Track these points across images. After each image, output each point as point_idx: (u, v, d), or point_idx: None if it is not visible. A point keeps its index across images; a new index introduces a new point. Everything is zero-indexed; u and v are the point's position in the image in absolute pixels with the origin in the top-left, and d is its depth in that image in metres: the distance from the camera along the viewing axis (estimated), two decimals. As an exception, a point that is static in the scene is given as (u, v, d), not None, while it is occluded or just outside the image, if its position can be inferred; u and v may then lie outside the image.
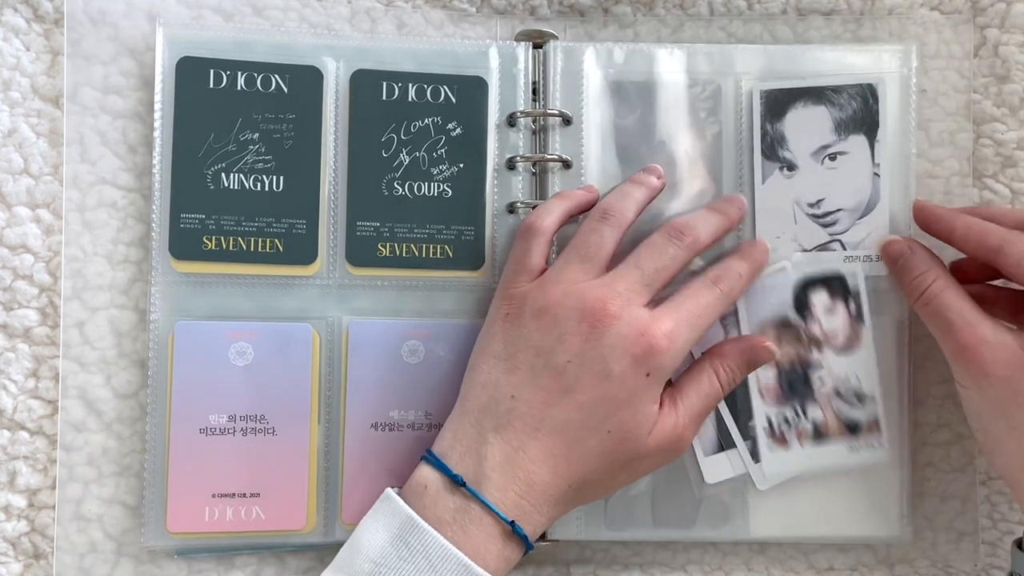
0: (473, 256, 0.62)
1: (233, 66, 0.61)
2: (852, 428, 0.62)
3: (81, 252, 0.61)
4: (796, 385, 0.62)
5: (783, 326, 0.62)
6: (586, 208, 0.61)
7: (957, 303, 0.57)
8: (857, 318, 0.63)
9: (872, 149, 0.63)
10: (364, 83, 0.62)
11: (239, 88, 0.61)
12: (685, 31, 0.66)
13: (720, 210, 0.62)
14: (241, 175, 0.61)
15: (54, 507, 0.60)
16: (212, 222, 0.61)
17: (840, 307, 0.63)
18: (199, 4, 0.63)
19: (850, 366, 0.62)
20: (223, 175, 0.61)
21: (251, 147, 0.61)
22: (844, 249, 0.63)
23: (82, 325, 0.61)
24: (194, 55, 0.61)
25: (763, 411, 0.62)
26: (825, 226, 0.63)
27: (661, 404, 0.56)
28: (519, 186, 0.63)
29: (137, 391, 0.61)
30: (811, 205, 0.63)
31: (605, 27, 0.66)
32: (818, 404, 0.62)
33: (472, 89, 0.63)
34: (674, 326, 0.55)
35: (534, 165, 0.64)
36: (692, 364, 0.60)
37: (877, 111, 0.63)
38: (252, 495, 0.60)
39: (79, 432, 0.61)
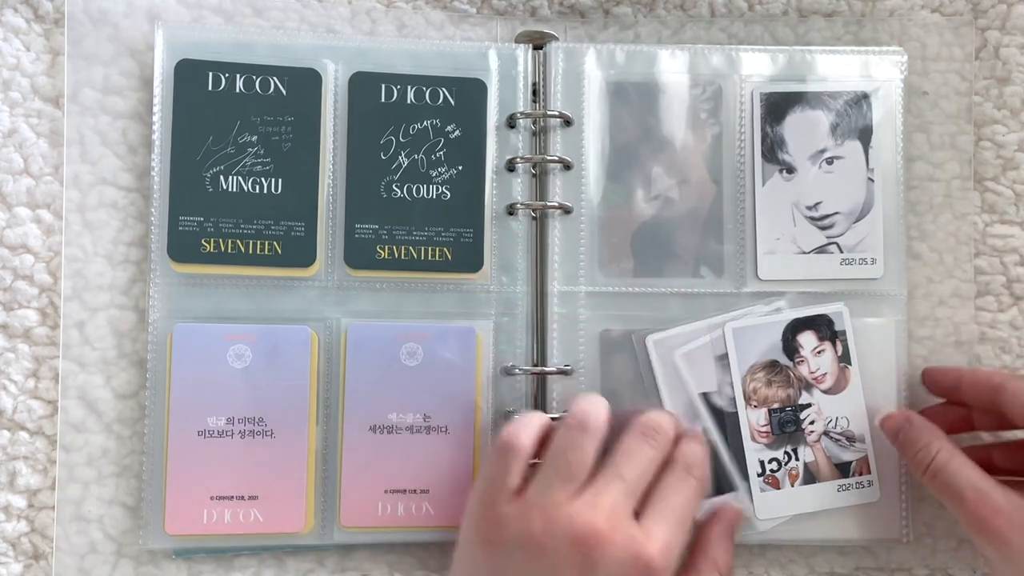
0: (472, 258, 0.62)
1: (232, 68, 0.61)
2: (842, 469, 0.63)
3: (81, 252, 0.61)
4: (787, 427, 0.62)
5: (773, 368, 0.62)
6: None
7: (964, 472, 0.56)
8: (844, 359, 0.63)
9: (867, 154, 0.64)
10: (363, 85, 0.62)
11: (238, 90, 0.61)
12: (686, 32, 0.66)
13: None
14: (240, 177, 0.61)
15: (54, 507, 0.60)
16: (211, 224, 0.61)
17: (827, 348, 0.63)
18: (199, 4, 0.63)
19: (839, 407, 0.63)
20: (222, 177, 0.61)
21: (250, 149, 0.61)
22: (841, 252, 0.63)
23: (82, 325, 0.61)
24: (193, 57, 0.61)
25: (755, 455, 0.62)
26: (822, 229, 0.64)
27: None
28: (518, 188, 0.63)
29: (137, 391, 0.61)
30: (809, 208, 0.64)
31: (605, 28, 0.66)
32: (808, 446, 0.62)
33: (471, 91, 0.63)
34: (666, 538, 0.53)
35: (534, 167, 0.64)
36: (688, 565, 0.58)
37: (871, 118, 0.64)
38: (250, 497, 0.60)
39: (79, 432, 0.61)
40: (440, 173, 0.62)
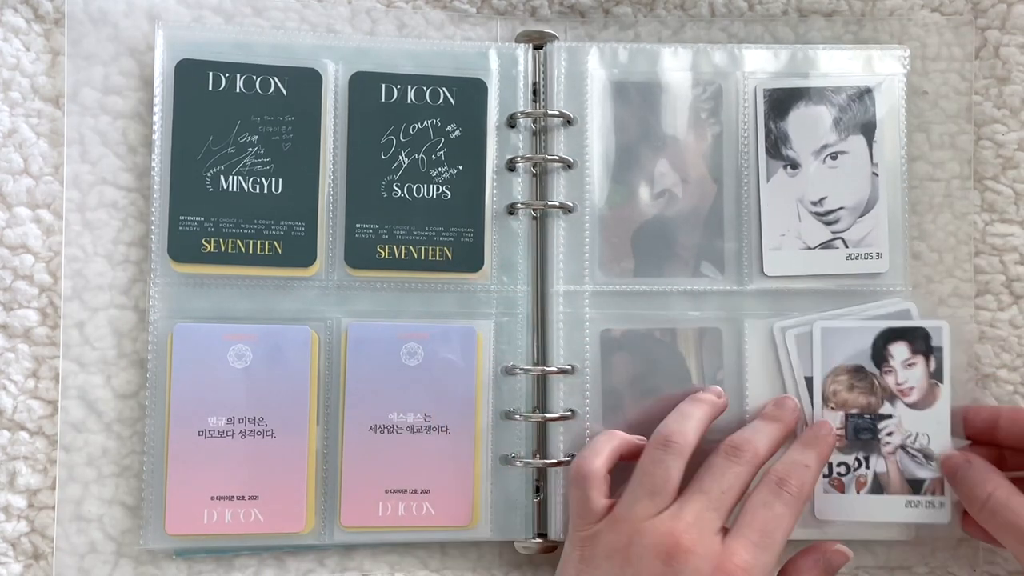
0: (472, 258, 0.62)
1: (232, 68, 0.61)
2: (914, 485, 0.61)
3: (81, 252, 0.61)
4: (862, 434, 0.61)
5: (857, 372, 0.61)
6: (634, 452, 0.59)
7: (1022, 507, 0.55)
8: (936, 376, 0.61)
9: (871, 149, 0.64)
10: (363, 85, 0.62)
11: (238, 90, 0.61)
12: (686, 32, 0.66)
13: (774, 417, 0.60)
14: (240, 177, 0.61)
15: (54, 507, 0.60)
16: (211, 224, 0.61)
17: (920, 362, 0.61)
18: (199, 4, 0.63)
19: (922, 423, 0.61)
20: (222, 177, 0.61)
21: (250, 149, 0.61)
22: (846, 247, 0.63)
23: (82, 325, 0.61)
24: (193, 57, 0.61)
25: None
26: (827, 224, 0.64)
27: None
28: (519, 187, 0.63)
29: (137, 391, 0.61)
30: (814, 203, 0.64)
31: (605, 28, 0.66)
32: (882, 457, 0.61)
33: (471, 91, 0.63)
34: (750, 556, 0.53)
35: (535, 166, 0.64)
36: None
37: (874, 113, 0.64)
38: (251, 497, 0.60)
39: (79, 432, 0.61)
40: (440, 173, 0.62)
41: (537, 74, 0.64)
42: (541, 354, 0.63)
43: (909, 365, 0.61)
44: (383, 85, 0.62)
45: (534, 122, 0.64)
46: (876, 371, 0.61)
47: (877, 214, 0.64)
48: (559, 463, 0.62)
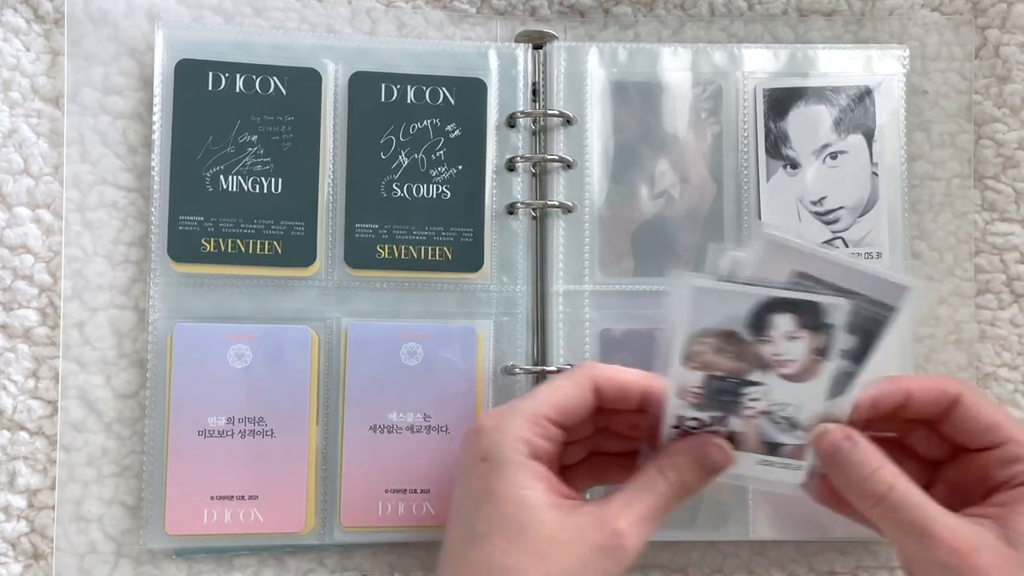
0: (472, 258, 0.62)
1: (231, 68, 0.61)
2: (772, 448, 0.54)
3: (81, 252, 0.61)
4: (722, 396, 0.54)
5: (727, 337, 0.53)
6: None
7: (925, 503, 0.49)
8: (822, 354, 0.53)
9: (870, 148, 0.64)
10: (363, 85, 0.62)
11: (238, 90, 0.61)
12: (686, 32, 0.66)
13: None
14: (240, 177, 0.61)
15: (54, 508, 0.60)
16: (211, 224, 0.61)
17: (805, 337, 0.53)
18: (199, 4, 0.63)
19: (795, 395, 0.53)
20: (222, 177, 0.61)
21: (250, 149, 0.61)
22: (847, 246, 0.63)
23: (82, 325, 0.61)
24: (193, 57, 0.61)
25: (677, 409, 0.53)
26: (828, 223, 0.64)
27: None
28: (519, 187, 0.63)
29: (137, 391, 0.61)
30: (814, 203, 0.64)
31: (605, 28, 0.66)
32: (742, 419, 0.54)
33: (471, 91, 0.63)
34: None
35: (534, 166, 0.64)
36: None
37: (874, 112, 0.64)
38: (250, 497, 0.60)
39: (79, 432, 0.61)
40: (440, 173, 0.62)
41: (537, 74, 0.64)
42: (541, 354, 0.63)
43: (792, 338, 0.53)
44: (383, 85, 0.62)
45: (534, 122, 0.64)
46: (751, 339, 0.53)
47: (877, 213, 0.64)
48: (559, 463, 0.62)
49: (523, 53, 0.64)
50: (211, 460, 0.60)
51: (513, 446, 0.50)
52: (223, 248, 0.61)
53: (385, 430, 0.61)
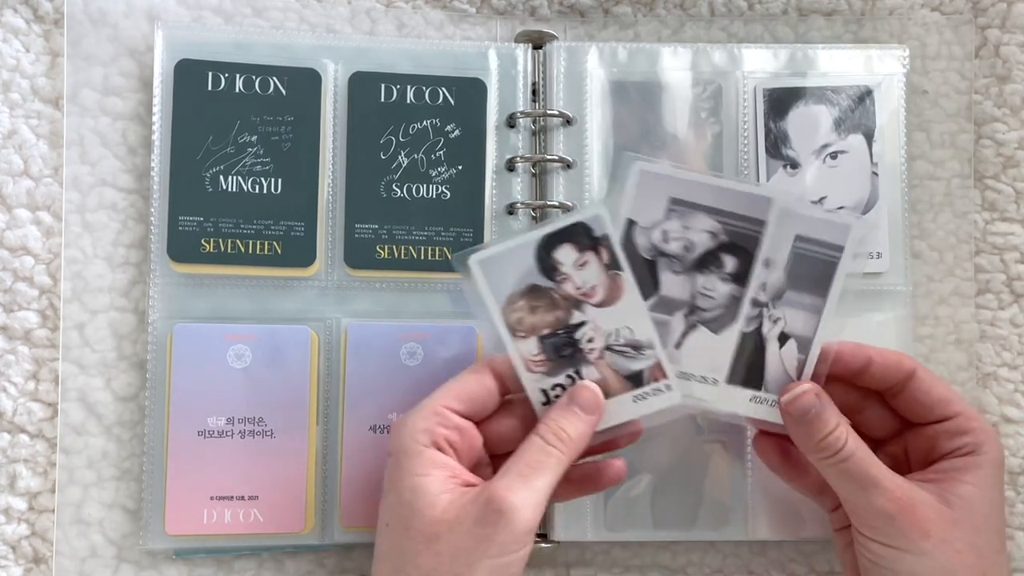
0: (472, 258, 0.62)
1: (231, 68, 0.61)
2: (634, 379, 0.55)
3: (81, 254, 0.61)
4: (563, 351, 0.55)
5: (532, 293, 0.55)
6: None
7: (874, 459, 0.53)
8: (613, 266, 0.55)
9: (870, 148, 0.64)
10: (362, 85, 0.62)
11: (237, 90, 0.61)
12: (685, 31, 0.66)
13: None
14: (239, 177, 0.61)
15: (54, 511, 0.60)
16: (210, 224, 0.61)
17: (591, 259, 0.55)
18: (199, 5, 0.63)
19: (618, 318, 0.55)
20: (221, 177, 0.61)
21: (249, 149, 0.61)
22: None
23: (82, 327, 0.61)
24: (192, 57, 0.61)
25: (535, 384, 0.55)
26: (828, 224, 0.64)
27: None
28: (518, 187, 0.63)
29: (137, 394, 0.61)
30: (814, 203, 0.63)
31: (605, 28, 0.66)
32: (592, 365, 0.55)
33: (471, 91, 0.63)
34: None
35: (534, 166, 0.64)
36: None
37: (874, 112, 0.64)
38: (250, 498, 0.60)
39: (79, 435, 0.60)
40: (440, 173, 0.62)
41: (536, 74, 0.64)
42: (541, 354, 0.63)
43: (581, 265, 0.55)
44: (382, 85, 0.62)
45: (533, 122, 0.64)
46: (551, 283, 0.55)
47: (877, 213, 0.64)
48: (559, 463, 0.62)
49: (523, 53, 0.64)
50: (211, 460, 0.60)
51: (414, 437, 0.52)
52: (223, 248, 0.61)
53: (385, 430, 0.61)
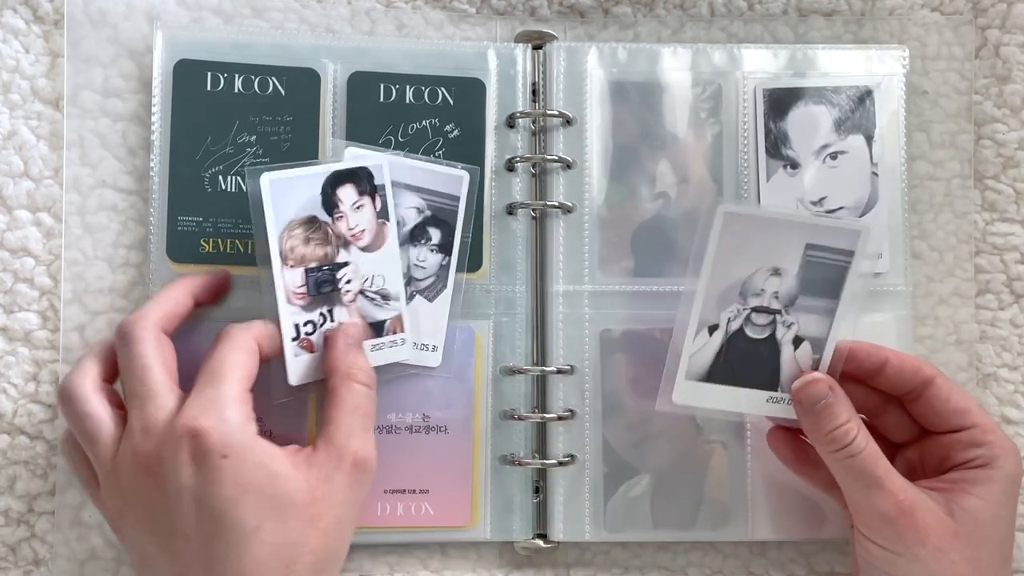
0: (472, 258, 0.62)
1: (230, 68, 0.61)
2: (376, 328, 0.59)
3: (81, 255, 0.61)
4: (323, 287, 0.57)
5: (311, 224, 0.57)
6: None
7: (883, 460, 0.54)
8: (382, 215, 0.58)
9: (870, 149, 0.63)
10: (362, 85, 0.62)
11: (236, 91, 0.61)
12: (685, 32, 0.66)
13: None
14: (239, 178, 0.61)
15: (53, 513, 0.60)
16: (209, 224, 0.61)
17: (366, 203, 0.58)
18: (199, 5, 0.63)
19: (375, 265, 0.58)
20: (220, 177, 0.61)
21: (249, 149, 0.61)
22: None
23: (82, 329, 0.61)
24: (191, 57, 0.61)
25: (291, 318, 0.57)
26: (828, 224, 0.64)
27: None
28: (518, 187, 0.63)
29: (137, 395, 0.61)
30: (814, 203, 0.63)
31: (605, 28, 0.66)
32: (344, 306, 0.58)
33: (470, 91, 0.63)
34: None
35: (534, 166, 0.64)
36: (328, 391, 0.56)
37: (874, 112, 0.64)
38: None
39: (78, 436, 0.60)
40: (439, 173, 0.62)
41: (536, 74, 0.64)
42: (540, 354, 0.63)
43: (358, 208, 0.58)
44: (382, 85, 0.62)
45: (533, 122, 0.64)
46: (329, 219, 0.57)
47: (877, 214, 0.64)
48: (559, 463, 0.62)
49: (522, 53, 0.64)
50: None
51: (245, 431, 0.51)
52: (222, 248, 0.61)
53: (384, 430, 0.61)
